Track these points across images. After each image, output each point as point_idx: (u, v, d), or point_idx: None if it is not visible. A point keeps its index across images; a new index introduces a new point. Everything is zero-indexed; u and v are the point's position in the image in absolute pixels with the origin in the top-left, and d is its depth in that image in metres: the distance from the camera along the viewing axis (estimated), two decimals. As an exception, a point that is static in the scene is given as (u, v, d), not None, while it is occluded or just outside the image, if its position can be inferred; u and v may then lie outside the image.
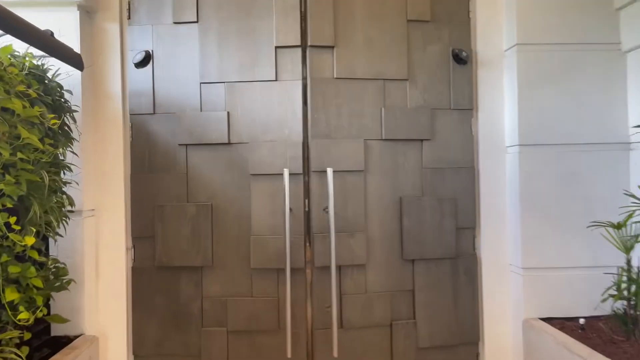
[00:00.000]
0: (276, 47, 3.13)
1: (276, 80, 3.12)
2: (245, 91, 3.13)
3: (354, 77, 3.13)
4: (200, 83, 3.14)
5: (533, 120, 3.10)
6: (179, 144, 3.13)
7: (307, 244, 3.06)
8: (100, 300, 3.11)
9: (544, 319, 3.05)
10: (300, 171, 3.06)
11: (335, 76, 3.12)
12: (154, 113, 3.15)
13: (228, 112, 3.12)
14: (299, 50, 3.13)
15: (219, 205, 3.12)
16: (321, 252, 3.04)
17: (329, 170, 2.96)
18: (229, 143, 3.11)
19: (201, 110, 3.14)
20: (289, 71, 3.13)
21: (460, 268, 3.22)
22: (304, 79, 3.12)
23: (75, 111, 2.83)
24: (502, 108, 3.25)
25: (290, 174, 3.03)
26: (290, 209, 3.01)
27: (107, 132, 3.14)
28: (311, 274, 3.07)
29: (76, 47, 2.94)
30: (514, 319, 3.18)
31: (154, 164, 3.17)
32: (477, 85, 3.25)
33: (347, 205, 3.09)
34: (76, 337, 2.94)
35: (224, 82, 3.14)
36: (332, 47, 3.12)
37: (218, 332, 3.11)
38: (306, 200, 3.05)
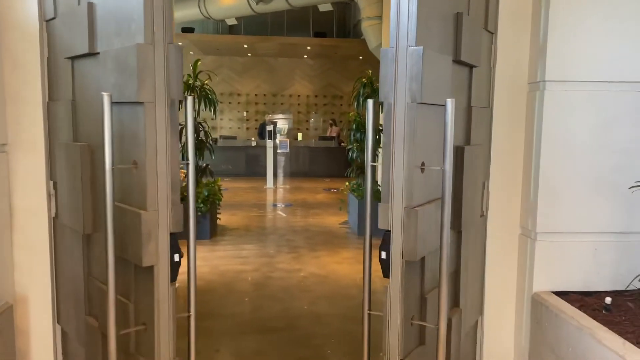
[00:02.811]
0: None
1: None
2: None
3: None
4: None
5: (568, 50, 2.44)
6: (65, 57, 2.31)
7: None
8: (17, 258, 2.50)
9: (558, 293, 2.54)
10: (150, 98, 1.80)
11: None
12: (55, 17, 2.36)
13: (90, 4, 2.03)
14: None
15: (100, 147, 1.99)
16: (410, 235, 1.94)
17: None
18: (94, 53, 2.07)
19: (78, 2, 2.16)
20: None
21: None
22: None
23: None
24: (526, 32, 2.58)
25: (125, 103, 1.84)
26: (135, 163, 1.88)
27: (16, 42, 2.40)
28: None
29: None
30: (520, 291, 2.66)
31: (54, 88, 2.44)
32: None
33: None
34: (-15, 303, 2.35)
35: None
36: None
37: (93, 327, 2.26)
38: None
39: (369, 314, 2.12)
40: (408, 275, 1.98)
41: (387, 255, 1.95)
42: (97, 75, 2.07)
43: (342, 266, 5.47)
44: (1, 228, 2.41)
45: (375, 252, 2.08)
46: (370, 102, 2.01)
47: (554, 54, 2.44)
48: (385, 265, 1.97)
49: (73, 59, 2.25)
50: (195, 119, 6.68)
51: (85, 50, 2.08)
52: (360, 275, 5.10)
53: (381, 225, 1.98)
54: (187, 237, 2.03)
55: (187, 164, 2.01)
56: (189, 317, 2.06)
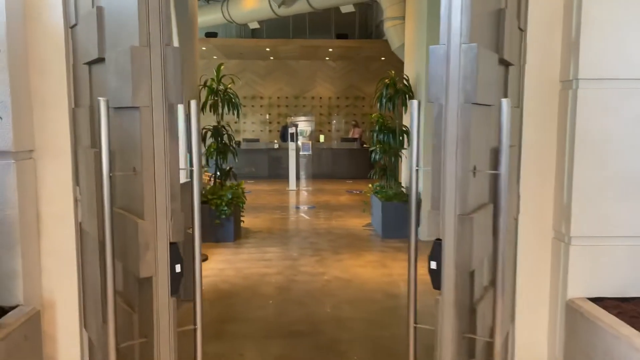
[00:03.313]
0: None
1: None
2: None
3: None
4: None
5: (602, 47, 2.34)
6: (83, 63, 2.31)
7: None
8: (45, 264, 2.52)
9: (593, 300, 2.44)
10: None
11: None
12: (77, 24, 2.37)
13: (99, 8, 2.01)
14: None
15: (123, 153, 1.98)
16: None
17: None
18: (100, 59, 2.07)
19: (92, 5, 2.13)
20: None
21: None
22: None
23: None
24: (557, 28, 2.49)
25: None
26: (135, 170, 1.85)
27: (42, 48, 2.42)
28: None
29: None
30: (554, 298, 2.57)
31: (78, 94, 2.45)
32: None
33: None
34: (13, 308, 2.37)
35: None
36: None
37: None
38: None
39: (415, 327, 2.00)
40: (459, 286, 1.88)
41: (438, 265, 1.84)
42: (105, 80, 2.05)
43: (366, 270, 5.41)
44: (29, 234, 2.43)
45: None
46: (414, 102, 1.90)
47: (587, 51, 2.35)
48: (435, 276, 1.86)
49: (90, 64, 2.25)
50: (219, 123, 6.74)
51: (96, 55, 2.06)
52: (385, 279, 5.04)
53: (431, 234, 1.87)
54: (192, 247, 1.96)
55: (191, 170, 1.94)
56: (195, 330, 1.97)
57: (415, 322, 1.99)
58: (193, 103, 1.90)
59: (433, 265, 1.84)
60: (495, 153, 2.09)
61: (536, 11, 2.47)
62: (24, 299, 2.40)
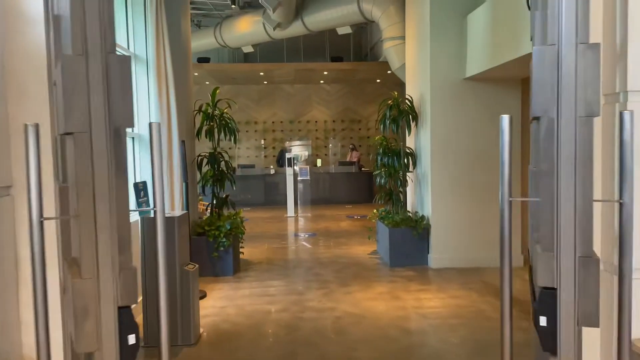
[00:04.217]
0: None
1: None
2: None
3: None
4: None
5: (654, 54, 2.09)
6: (54, 85, 2.03)
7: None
8: (25, 317, 2.18)
9: (657, 341, 2.13)
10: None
11: None
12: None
13: (56, 17, 1.65)
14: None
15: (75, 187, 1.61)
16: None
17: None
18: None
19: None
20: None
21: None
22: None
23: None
24: (597, 36, 2.24)
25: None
26: (76, 214, 1.56)
27: (23, 71, 2.14)
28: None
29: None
30: (607, 339, 2.25)
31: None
32: None
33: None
34: (-13, 370, 2.03)
35: None
36: None
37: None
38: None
39: None
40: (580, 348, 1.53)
41: (551, 321, 1.50)
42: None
43: (378, 303, 5.06)
44: (7, 283, 2.10)
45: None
46: (505, 117, 1.56)
47: (636, 60, 2.09)
48: (547, 335, 1.53)
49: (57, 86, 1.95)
50: (215, 149, 6.45)
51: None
52: (399, 313, 4.68)
53: (542, 281, 1.54)
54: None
55: (155, 211, 1.55)
56: None
57: None
58: (153, 126, 1.53)
59: (543, 321, 1.49)
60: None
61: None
62: (2, 358, 2.05)
